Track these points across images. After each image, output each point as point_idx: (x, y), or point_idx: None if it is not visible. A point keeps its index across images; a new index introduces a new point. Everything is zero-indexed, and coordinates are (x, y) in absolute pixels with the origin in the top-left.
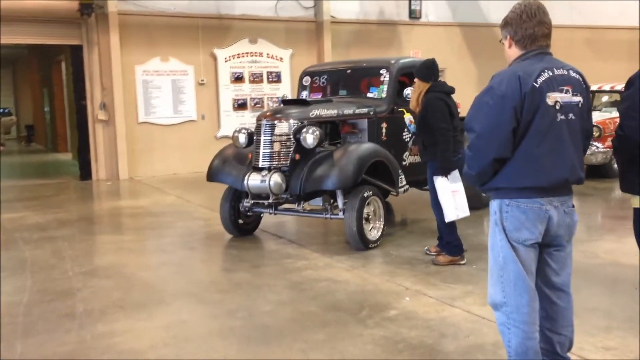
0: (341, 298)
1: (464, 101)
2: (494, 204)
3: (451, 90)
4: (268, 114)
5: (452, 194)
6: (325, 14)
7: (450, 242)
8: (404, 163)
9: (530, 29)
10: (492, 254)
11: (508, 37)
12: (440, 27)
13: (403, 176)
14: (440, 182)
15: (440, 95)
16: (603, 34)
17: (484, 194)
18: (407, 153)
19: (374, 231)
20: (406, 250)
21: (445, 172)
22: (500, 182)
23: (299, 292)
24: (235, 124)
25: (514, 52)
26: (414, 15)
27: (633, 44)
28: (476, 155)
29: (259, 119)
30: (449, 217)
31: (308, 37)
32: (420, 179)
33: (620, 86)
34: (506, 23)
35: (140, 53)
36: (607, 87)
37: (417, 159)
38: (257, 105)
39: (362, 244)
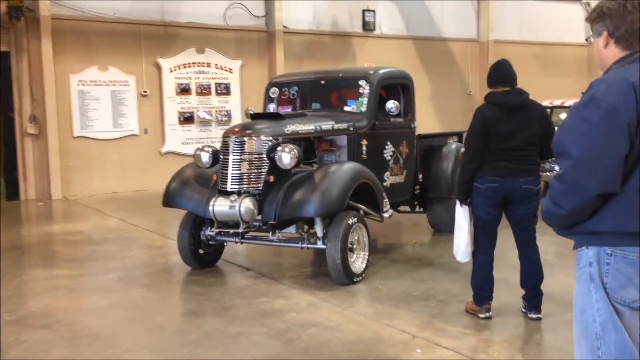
0: (338, 351)
1: (419, 118)
2: (588, 253)
3: (503, 102)
4: (237, 129)
5: (468, 229)
6: (277, 23)
7: (473, 288)
8: (385, 184)
9: (638, 22)
10: (583, 317)
11: (604, 33)
12: (394, 39)
13: (387, 199)
14: (458, 209)
15: (485, 107)
16: (551, 50)
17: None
18: (388, 173)
19: (358, 262)
20: (395, 283)
21: (460, 201)
22: (601, 225)
23: (286, 344)
24: (181, 138)
25: (612, 53)
26: (367, 27)
27: (581, 60)
28: (572, 189)
29: (226, 135)
30: (458, 255)
31: (259, 47)
32: (399, 201)
33: (570, 102)
34: (601, 15)
35: (75, 61)
36: (557, 102)
37: (399, 179)
38: (205, 119)
39: (347, 277)
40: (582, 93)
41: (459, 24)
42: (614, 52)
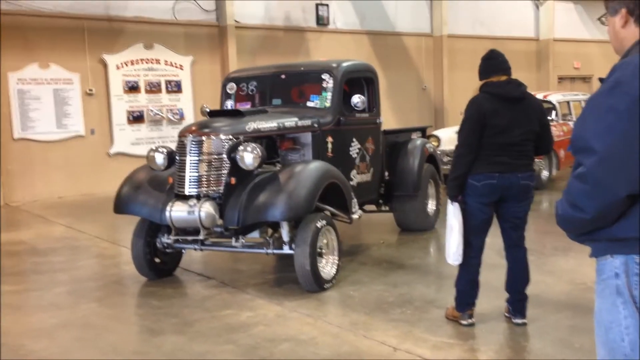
0: None
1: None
2: (614, 263)
3: (502, 92)
4: (194, 128)
5: (459, 229)
6: (228, 18)
7: (457, 292)
8: (352, 183)
9: None
10: (609, 337)
11: (623, 11)
12: (348, 34)
13: (356, 200)
14: (450, 209)
15: (482, 98)
16: (503, 44)
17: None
18: (354, 171)
19: (327, 267)
20: (368, 288)
21: (450, 198)
22: (628, 230)
23: None
24: (130, 139)
25: (632, 33)
26: (321, 21)
27: (530, 55)
28: (596, 189)
29: (182, 135)
30: (449, 257)
31: (210, 42)
32: (366, 201)
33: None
34: None
35: (13, 59)
36: None
37: (366, 177)
38: (156, 117)
39: (317, 284)
40: (601, 79)
41: (413, 19)
42: (633, 32)
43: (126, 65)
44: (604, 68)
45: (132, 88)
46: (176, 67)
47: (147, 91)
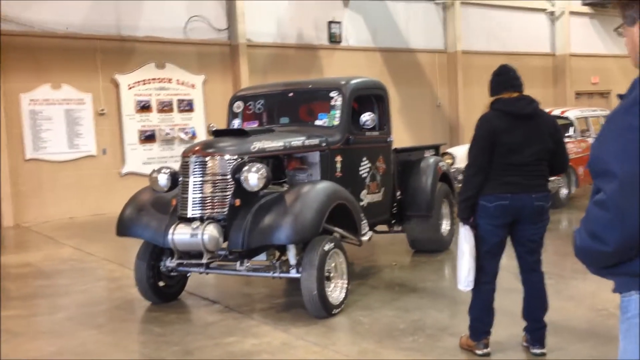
0: None
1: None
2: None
3: (513, 110)
4: (197, 148)
5: (470, 252)
6: (240, 36)
7: (471, 319)
8: (362, 203)
9: None
10: None
11: None
12: (360, 51)
13: (365, 221)
14: (461, 232)
15: (492, 115)
16: (518, 59)
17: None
18: (364, 191)
19: (336, 291)
20: (378, 314)
21: (461, 220)
22: None
23: None
24: (142, 158)
25: None
26: (334, 39)
27: (547, 70)
28: (618, 217)
29: (185, 155)
30: (461, 283)
31: (222, 61)
32: (378, 221)
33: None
34: None
35: (26, 79)
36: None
37: (377, 197)
38: (168, 136)
39: (324, 310)
40: (620, 96)
41: (426, 35)
42: None
43: (138, 84)
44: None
45: (144, 107)
46: (188, 86)
47: (159, 110)
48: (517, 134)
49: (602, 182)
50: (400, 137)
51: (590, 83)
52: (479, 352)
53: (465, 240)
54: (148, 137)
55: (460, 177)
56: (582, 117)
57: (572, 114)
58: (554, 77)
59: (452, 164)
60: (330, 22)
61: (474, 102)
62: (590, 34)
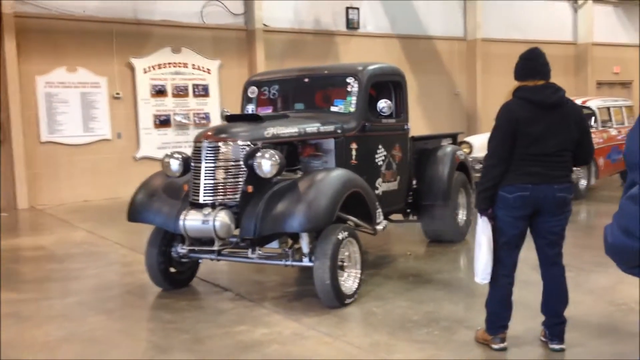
0: None
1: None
2: None
3: (538, 99)
4: (210, 133)
5: (488, 244)
6: (257, 21)
7: (487, 313)
8: (377, 192)
9: None
10: None
11: None
12: (378, 38)
13: (380, 210)
14: (479, 223)
15: (515, 104)
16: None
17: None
18: (380, 180)
19: (349, 281)
20: (392, 305)
21: (479, 211)
22: None
23: None
24: (157, 143)
25: None
26: (351, 25)
27: (568, 59)
28: None
29: (197, 140)
30: (478, 275)
31: (238, 46)
32: (393, 210)
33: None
34: None
35: (42, 62)
36: None
37: (392, 186)
38: (183, 121)
39: (337, 300)
40: None
41: (446, 22)
42: None
43: (153, 69)
44: None
45: (159, 92)
46: (204, 71)
47: (174, 95)
48: (541, 124)
49: (636, 174)
50: (417, 125)
51: (612, 73)
52: (495, 346)
53: (483, 232)
54: (163, 122)
55: (477, 166)
56: (604, 107)
57: (594, 103)
58: (575, 66)
59: (470, 152)
60: (348, 8)
61: (493, 90)
62: (614, 23)
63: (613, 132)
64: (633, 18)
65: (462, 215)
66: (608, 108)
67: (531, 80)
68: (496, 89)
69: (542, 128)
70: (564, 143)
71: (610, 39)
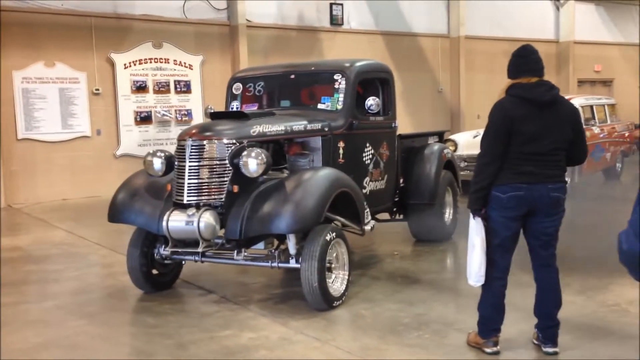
0: None
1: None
2: None
3: (532, 96)
4: (194, 131)
5: (481, 246)
6: (240, 17)
7: (480, 316)
8: (364, 191)
9: None
10: None
11: None
12: (362, 34)
13: (368, 209)
14: (471, 224)
15: (508, 102)
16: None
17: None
18: (367, 178)
19: (337, 283)
20: (381, 307)
21: (472, 212)
22: None
23: None
24: (137, 140)
25: None
26: (335, 21)
27: (550, 57)
28: None
29: (181, 138)
30: (471, 277)
31: (221, 42)
32: (380, 209)
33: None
34: None
35: (18, 56)
36: None
37: (379, 185)
38: (164, 117)
39: (325, 302)
40: None
41: (429, 19)
42: None
43: (134, 64)
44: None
45: (140, 88)
46: (185, 66)
47: (155, 91)
48: (535, 122)
49: None
50: (401, 122)
51: (593, 71)
52: (488, 350)
53: (476, 233)
54: (144, 119)
55: (462, 164)
56: (587, 105)
57: (577, 102)
58: (557, 64)
59: (455, 150)
60: (332, 4)
61: (476, 88)
62: (595, 21)
63: (596, 130)
64: (614, 16)
65: (448, 214)
66: (591, 106)
67: (524, 78)
68: (479, 86)
69: (537, 127)
70: (559, 142)
71: (592, 37)
